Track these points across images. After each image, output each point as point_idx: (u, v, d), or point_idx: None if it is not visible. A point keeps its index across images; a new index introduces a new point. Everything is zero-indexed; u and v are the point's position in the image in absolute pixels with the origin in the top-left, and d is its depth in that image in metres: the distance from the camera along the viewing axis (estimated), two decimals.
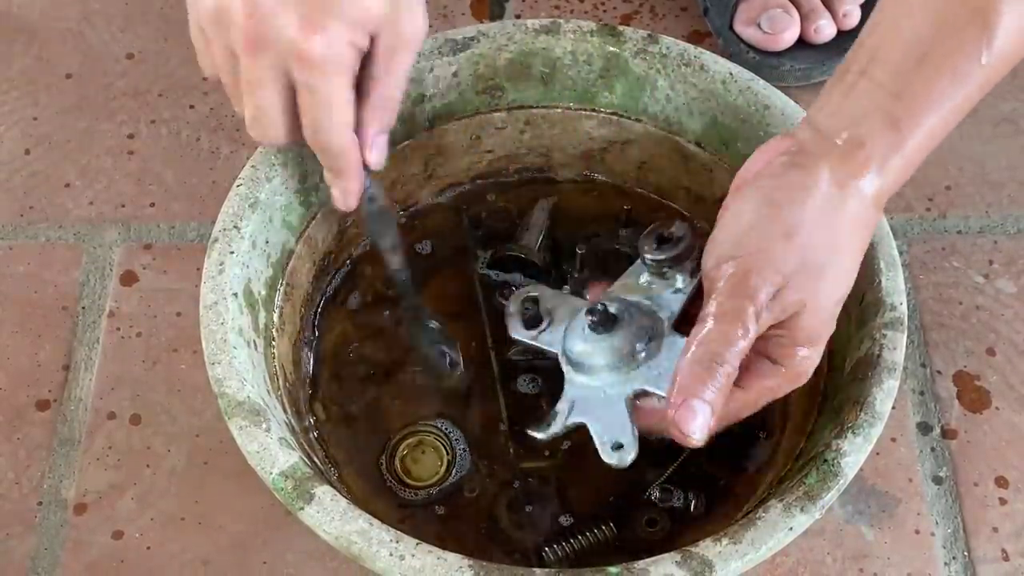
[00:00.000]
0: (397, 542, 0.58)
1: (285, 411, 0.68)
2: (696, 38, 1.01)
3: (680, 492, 0.71)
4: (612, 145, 0.79)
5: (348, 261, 0.78)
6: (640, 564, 0.58)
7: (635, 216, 0.79)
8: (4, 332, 0.85)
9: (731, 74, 0.74)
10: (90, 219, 0.90)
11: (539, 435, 0.63)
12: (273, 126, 0.64)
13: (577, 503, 0.71)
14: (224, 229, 0.68)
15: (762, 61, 0.96)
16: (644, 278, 0.66)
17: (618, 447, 0.61)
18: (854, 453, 0.62)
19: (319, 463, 0.68)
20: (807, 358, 0.61)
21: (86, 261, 0.88)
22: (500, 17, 1.02)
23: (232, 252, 0.68)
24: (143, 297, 0.87)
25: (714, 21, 0.99)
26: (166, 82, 0.98)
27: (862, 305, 0.68)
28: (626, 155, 0.80)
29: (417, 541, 0.58)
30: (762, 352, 0.61)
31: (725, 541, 0.59)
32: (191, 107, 0.96)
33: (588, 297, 0.68)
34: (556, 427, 0.63)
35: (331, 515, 0.59)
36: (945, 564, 0.77)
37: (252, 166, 0.71)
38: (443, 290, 0.78)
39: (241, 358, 0.65)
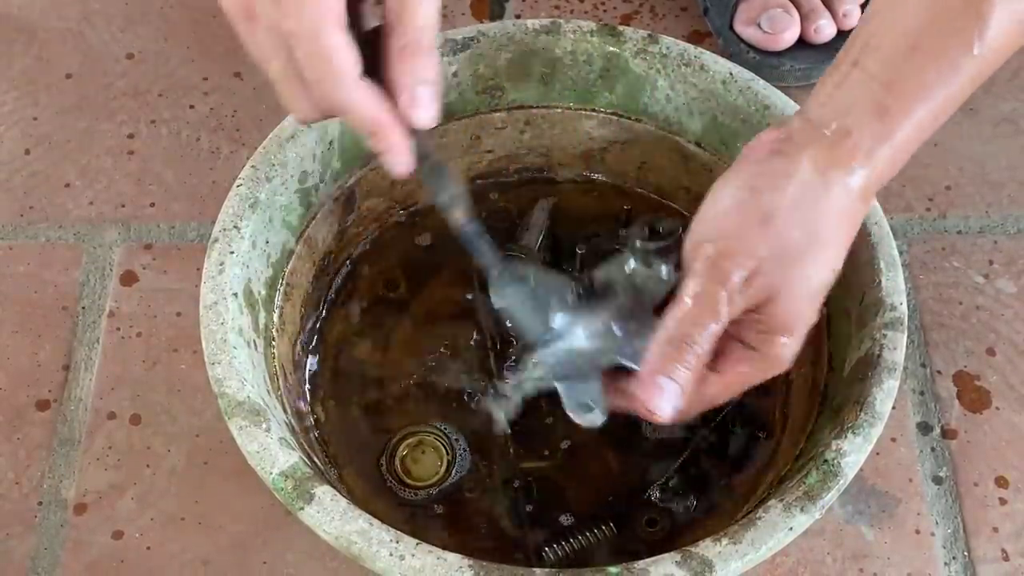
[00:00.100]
0: (397, 542, 0.58)
1: (285, 411, 0.68)
2: (696, 38, 1.01)
3: (680, 492, 0.71)
4: (612, 145, 0.79)
5: (348, 261, 0.78)
6: (640, 564, 0.58)
7: (635, 216, 0.79)
8: (4, 332, 0.85)
9: (731, 74, 0.74)
10: (90, 219, 0.90)
11: (507, 391, 0.65)
12: (296, 99, 0.59)
13: (577, 503, 0.71)
14: (224, 229, 0.68)
15: (762, 61, 0.96)
16: (631, 264, 0.67)
17: (588, 409, 0.62)
18: (854, 453, 0.62)
19: (319, 463, 0.68)
20: (784, 345, 0.60)
21: (86, 261, 0.88)
22: (500, 17, 1.02)
23: (232, 252, 0.68)
24: (143, 297, 0.87)
25: (714, 21, 0.99)
26: (166, 82, 0.98)
27: (862, 305, 0.68)
28: (626, 155, 0.80)
29: (417, 541, 0.58)
30: (738, 337, 0.61)
31: (725, 541, 0.59)
32: (191, 107, 0.96)
33: None
34: (525, 386, 0.64)
35: (331, 515, 0.59)
36: (945, 564, 0.77)
37: (252, 166, 0.71)
38: (443, 290, 0.78)
39: (241, 358, 0.65)
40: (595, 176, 0.82)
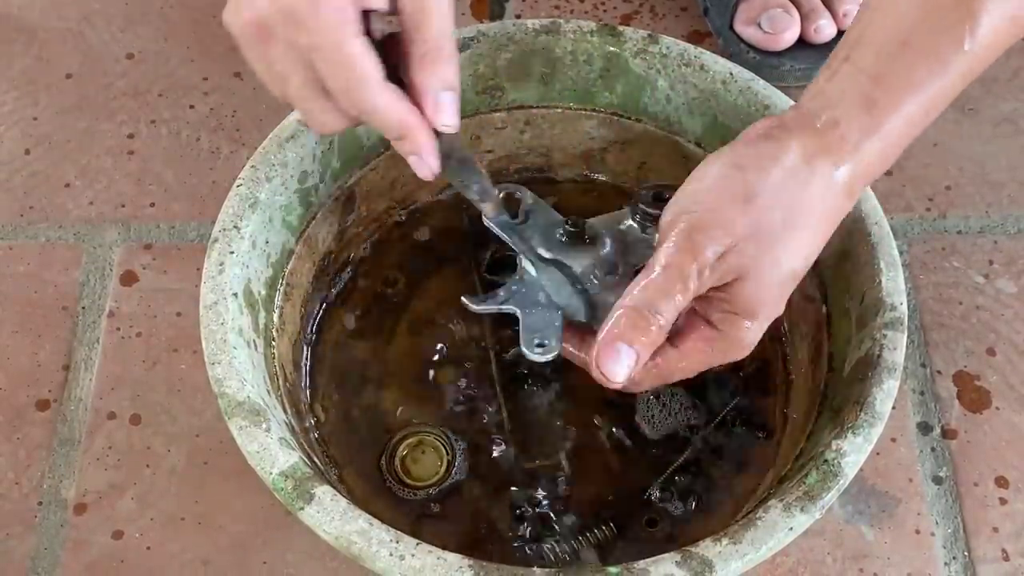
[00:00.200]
0: (397, 542, 0.58)
1: (285, 411, 0.68)
2: (696, 38, 1.01)
3: (680, 492, 0.71)
4: (612, 145, 0.79)
5: (348, 261, 0.78)
6: (640, 564, 0.58)
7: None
8: (4, 332, 0.85)
9: (731, 74, 0.74)
10: (90, 219, 0.90)
11: (472, 305, 0.67)
12: (320, 113, 0.61)
13: (577, 503, 0.71)
14: (224, 229, 0.68)
15: (762, 61, 0.96)
16: (627, 223, 0.68)
17: (540, 346, 0.64)
18: (854, 453, 0.62)
19: (319, 463, 0.68)
20: (747, 329, 0.60)
21: (86, 261, 0.88)
22: (500, 17, 1.02)
23: (232, 252, 0.68)
24: (143, 297, 0.87)
25: (714, 21, 0.99)
26: (166, 82, 0.98)
27: (862, 305, 0.68)
28: (626, 155, 0.80)
29: (417, 541, 0.58)
30: (703, 316, 0.61)
31: (725, 541, 0.59)
32: (191, 107, 0.96)
33: None
34: (490, 304, 0.66)
35: (331, 515, 0.59)
36: (945, 564, 0.77)
37: (252, 166, 0.71)
38: (443, 290, 0.78)
39: (241, 358, 0.65)
40: (595, 176, 0.82)
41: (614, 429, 0.73)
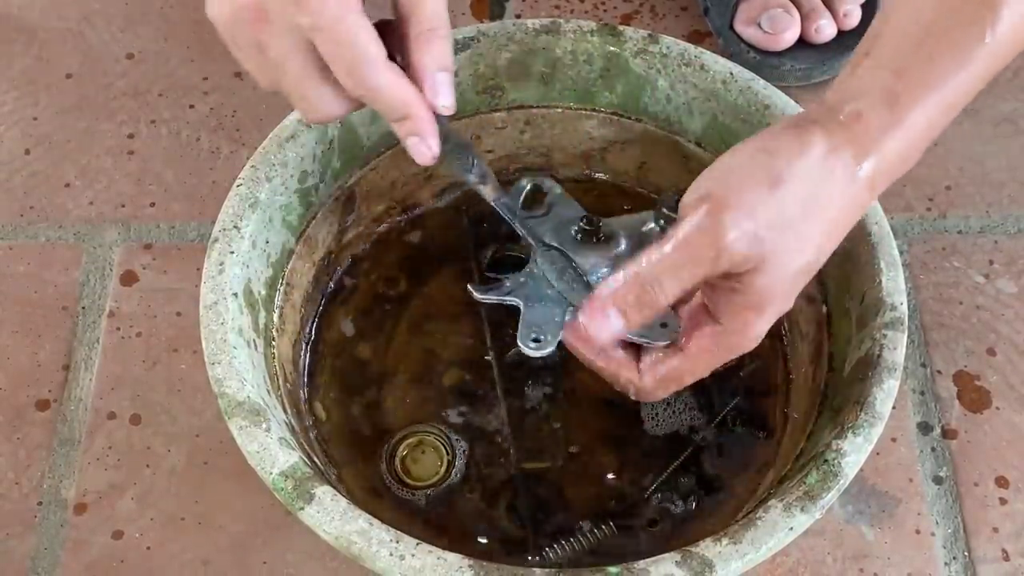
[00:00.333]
0: (397, 542, 0.58)
1: (285, 411, 0.68)
2: (696, 38, 1.01)
3: (680, 492, 0.71)
4: (612, 145, 0.79)
5: (348, 261, 0.78)
6: (640, 564, 0.58)
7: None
8: (4, 332, 0.85)
9: (731, 74, 0.74)
10: (90, 219, 0.90)
11: (477, 294, 0.67)
12: (321, 98, 0.60)
13: (577, 503, 0.71)
14: (224, 229, 0.68)
15: (762, 61, 0.96)
16: (649, 224, 0.68)
17: (536, 341, 0.63)
18: (854, 453, 0.62)
19: (319, 463, 0.68)
20: (752, 324, 0.60)
21: (86, 261, 0.88)
22: (500, 17, 1.02)
23: (232, 252, 0.68)
24: (143, 297, 0.87)
25: (714, 21, 0.99)
26: (166, 82, 0.98)
27: (862, 305, 0.68)
28: (626, 155, 0.80)
29: (417, 541, 0.58)
30: (709, 310, 0.60)
31: (725, 541, 0.59)
32: (191, 107, 0.96)
33: None
34: (494, 295, 0.66)
35: (331, 515, 0.59)
36: (945, 564, 0.77)
37: (252, 166, 0.71)
38: (443, 290, 0.78)
39: (241, 358, 0.65)
40: (595, 176, 0.82)
41: (614, 429, 0.73)
